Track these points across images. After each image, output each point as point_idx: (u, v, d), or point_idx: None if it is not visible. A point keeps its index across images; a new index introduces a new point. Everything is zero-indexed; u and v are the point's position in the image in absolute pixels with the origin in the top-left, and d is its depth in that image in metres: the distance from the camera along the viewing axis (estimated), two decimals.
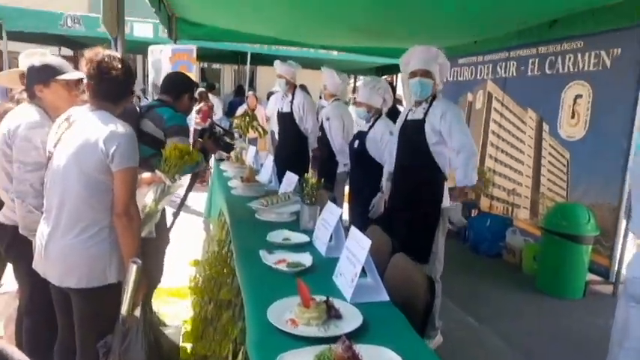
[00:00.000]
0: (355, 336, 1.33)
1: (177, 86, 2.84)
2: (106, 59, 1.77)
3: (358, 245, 1.71)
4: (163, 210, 2.77)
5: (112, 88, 1.79)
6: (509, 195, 5.31)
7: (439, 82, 2.89)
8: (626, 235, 4.02)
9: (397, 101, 6.48)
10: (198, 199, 5.89)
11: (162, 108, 2.68)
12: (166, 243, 2.85)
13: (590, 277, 4.09)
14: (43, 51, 2.63)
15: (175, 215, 3.04)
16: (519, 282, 4.26)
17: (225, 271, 2.49)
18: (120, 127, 1.74)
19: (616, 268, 4.05)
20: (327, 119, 4.18)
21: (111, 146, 1.69)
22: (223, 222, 3.14)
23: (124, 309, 1.57)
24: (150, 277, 2.60)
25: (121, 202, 1.72)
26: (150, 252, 2.48)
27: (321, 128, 4.40)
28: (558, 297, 3.95)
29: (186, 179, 3.26)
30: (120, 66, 1.78)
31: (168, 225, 2.92)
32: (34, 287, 2.04)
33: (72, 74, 2.06)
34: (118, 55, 1.87)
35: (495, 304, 3.80)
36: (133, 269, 1.61)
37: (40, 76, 2.06)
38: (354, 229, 1.80)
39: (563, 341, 3.25)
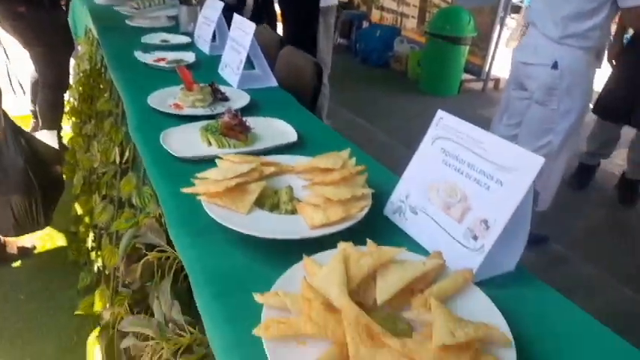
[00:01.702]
0: (244, 113, 1.31)
1: None
2: None
3: (242, 31, 1.62)
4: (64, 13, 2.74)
5: None
6: (399, 5, 5.28)
7: None
8: (499, 37, 4.34)
9: None
10: None
11: None
12: (72, 48, 2.83)
13: (465, 76, 4.47)
14: None
15: None
16: (404, 86, 4.55)
17: (101, 86, 2.29)
18: None
19: (487, 68, 4.45)
20: None
21: None
22: (92, 38, 2.78)
23: None
24: (58, 82, 2.72)
25: None
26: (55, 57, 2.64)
27: None
28: (438, 95, 4.32)
29: None
30: None
31: None
32: None
33: None
34: None
35: (382, 106, 4.07)
36: None
37: None
38: (236, 16, 1.68)
39: None
